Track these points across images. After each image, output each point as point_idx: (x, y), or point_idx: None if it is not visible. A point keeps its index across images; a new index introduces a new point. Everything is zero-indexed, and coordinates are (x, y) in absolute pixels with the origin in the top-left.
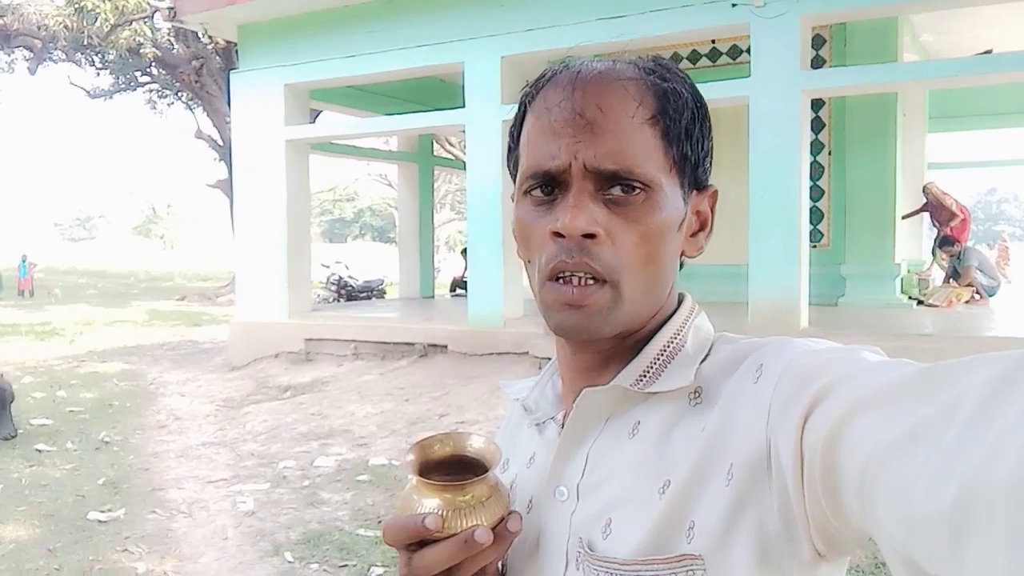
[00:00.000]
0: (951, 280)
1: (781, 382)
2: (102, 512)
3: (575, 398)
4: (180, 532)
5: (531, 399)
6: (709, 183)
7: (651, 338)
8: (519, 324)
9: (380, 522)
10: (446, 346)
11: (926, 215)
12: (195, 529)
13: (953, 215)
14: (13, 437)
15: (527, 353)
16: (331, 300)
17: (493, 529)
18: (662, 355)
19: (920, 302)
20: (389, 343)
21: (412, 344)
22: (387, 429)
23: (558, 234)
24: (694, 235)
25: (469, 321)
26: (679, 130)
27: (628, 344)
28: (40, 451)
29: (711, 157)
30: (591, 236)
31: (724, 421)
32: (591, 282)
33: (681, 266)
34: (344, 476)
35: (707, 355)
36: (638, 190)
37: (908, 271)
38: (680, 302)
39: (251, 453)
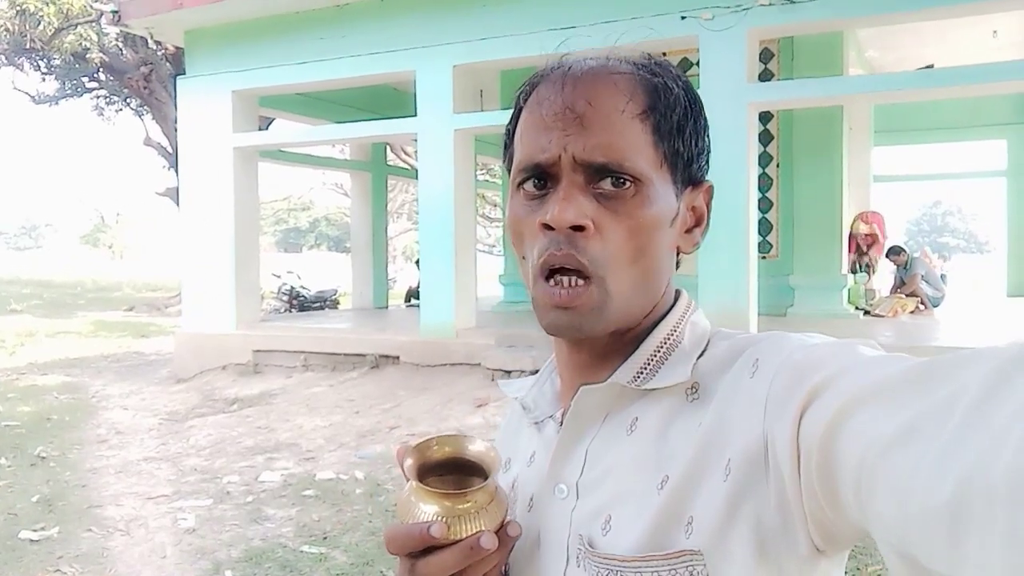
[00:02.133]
0: (898, 290)
1: (777, 377)
2: (34, 531)
3: (573, 396)
4: (116, 551)
5: (529, 398)
6: (705, 179)
7: (647, 335)
8: (471, 335)
9: (325, 539)
10: (398, 357)
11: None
12: (132, 547)
13: (876, 239)
14: None
15: (479, 364)
16: (282, 310)
17: (496, 533)
18: (659, 351)
19: (866, 312)
20: (340, 354)
21: (363, 355)
22: (335, 442)
23: (548, 227)
24: (689, 231)
25: (421, 332)
26: (670, 125)
27: (624, 341)
28: None
29: (707, 153)
30: (580, 228)
31: (721, 416)
32: (579, 283)
33: (678, 264)
34: (290, 491)
35: (704, 351)
36: (628, 184)
37: (855, 282)
38: (676, 298)
39: (194, 468)
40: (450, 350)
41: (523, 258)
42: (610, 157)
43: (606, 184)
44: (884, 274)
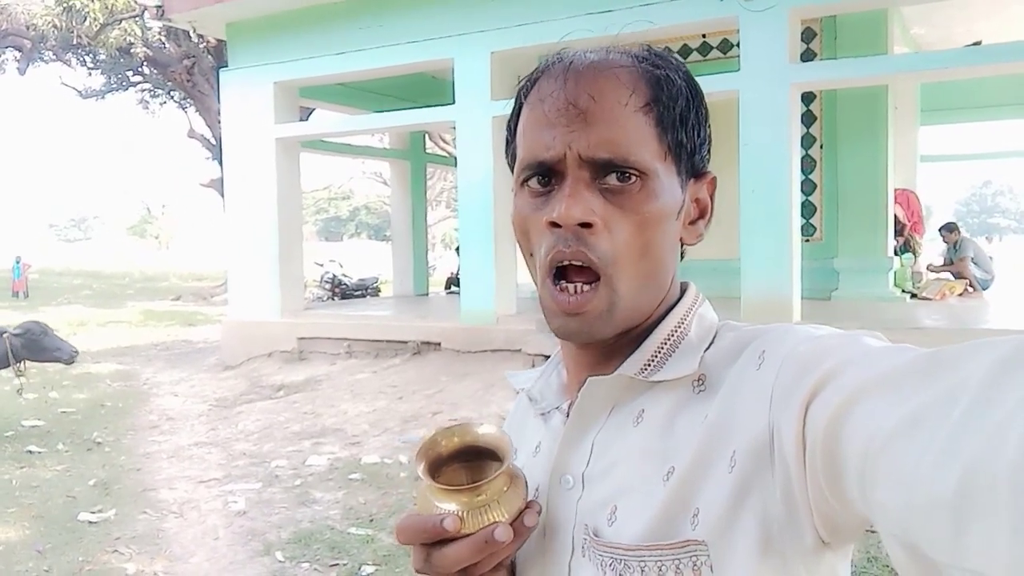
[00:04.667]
0: (945, 267)
1: (783, 369)
2: (92, 513)
3: (580, 387)
4: (171, 532)
5: (536, 389)
6: (708, 170)
7: (655, 328)
8: (512, 321)
9: (372, 521)
10: (439, 343)
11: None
12: (186, 529)
13: (903, 225)
14: (77, 354)
15: (520, 350)
16: (325, 299)
17: (511, 524)
18: (666, 344)
19: (913, 295)
20: (382, 341)
21: (405, 342)
22: (380, 427)
23: (555, 224)
24: (693, 223)
25: (462, 318)
26: (673, 117)
27: (632, 334)
28: (31, 452)
29: (709, 144)
30: (587, 225)
31: (727, 408)
32: (587, 288)
33: (682, 255)
34: (336, 475)
35: (711, 343)
36: (633, 178)
37: (902, 264)
38: (683, 291)
39: (243, 453)
40: (491, 336)
41: (530, 255)
42: (615, 152)
43: (611, 179)
44: (930, 255)
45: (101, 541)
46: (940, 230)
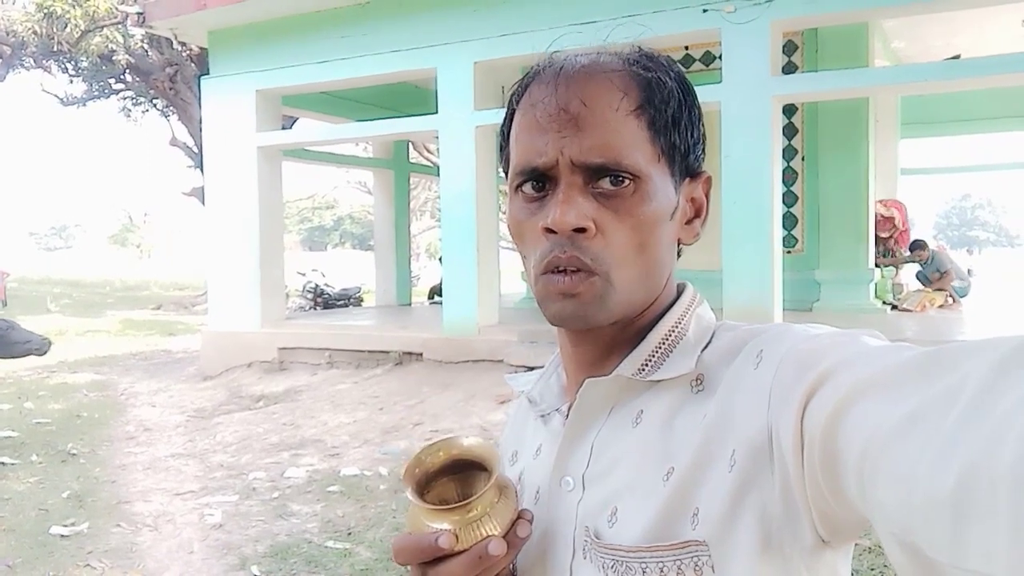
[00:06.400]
0: (926, 283)
1: (781, 367)
2: (65, 526)
3: (579, 389)
4: (145, 546)
5: (536, 391)
6: (702, 169)
7: (651, 327)
8: (494, 332)
9: (350, 534)
10: (421, 354)
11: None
12: (160, 543)
13: (898, 230)
14: (49, 343)
15: (502, 361)
16: (307, 308)
17: (505, 536)
18: (663, 344)
19: (894, 307)
20: (364, 351)
21: (387, 352)
22: (360, 439)
23: (549, 230)
24: (690, 222)
25: (444, 329)
26: (665, 119)
27: (629, 334)
28: (4, 464)
29: (703, 144)
30: (582, 230)
31: (725, 407)
32: (582, 274)
33: (679, 254)
34: (314, 487)
35: (708, 343)
36: (627, 182)
37: (883, 276)
38: (680, 292)
39: (220, 464)
40: (473, 347)
41: (525, 257)
42: (607, 157)
43: (605, 183)
44: (912, 268)
45: (73, 555)
46: (911, 249)
